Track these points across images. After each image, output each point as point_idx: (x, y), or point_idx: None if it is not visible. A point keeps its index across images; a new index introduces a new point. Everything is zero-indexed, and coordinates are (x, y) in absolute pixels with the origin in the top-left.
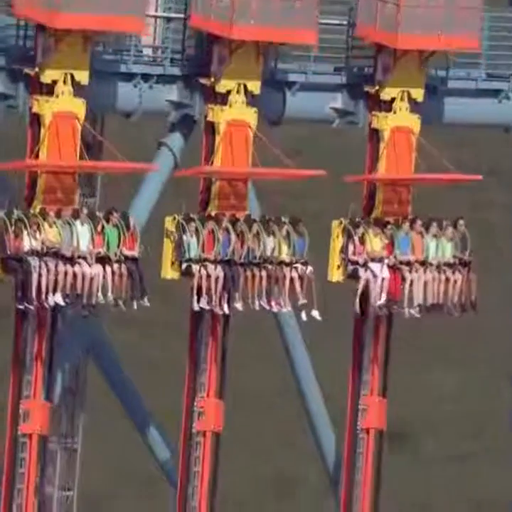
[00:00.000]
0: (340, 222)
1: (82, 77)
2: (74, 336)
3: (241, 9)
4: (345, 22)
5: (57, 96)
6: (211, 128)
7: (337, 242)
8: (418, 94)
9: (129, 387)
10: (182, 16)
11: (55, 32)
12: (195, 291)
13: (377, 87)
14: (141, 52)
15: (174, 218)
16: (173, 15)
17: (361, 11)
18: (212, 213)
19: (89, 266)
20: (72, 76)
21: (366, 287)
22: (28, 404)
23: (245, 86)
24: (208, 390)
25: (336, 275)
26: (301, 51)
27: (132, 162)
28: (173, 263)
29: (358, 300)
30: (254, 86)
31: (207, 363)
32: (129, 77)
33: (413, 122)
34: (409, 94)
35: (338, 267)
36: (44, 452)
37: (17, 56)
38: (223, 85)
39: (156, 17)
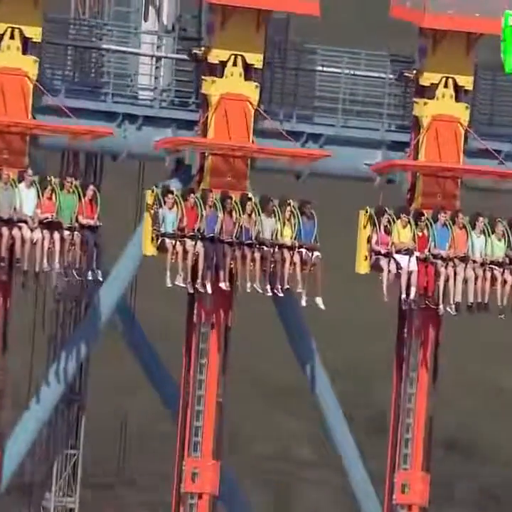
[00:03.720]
0: (366, 212)
1: (34, 32)
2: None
3: None
4: (383, 75)
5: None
6: (206, 101)
7: (364, 232)
8: (466, 81)
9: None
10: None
11: None
12: (168, 267)
13: (414, 72)
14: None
15: (153, 191)
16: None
17: None
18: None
19: (31, 230)
20: (20, 31)
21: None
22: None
23: (243, 58)
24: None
25: (363, 266)
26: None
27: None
28: (152, 239)
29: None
30: (256, 59)
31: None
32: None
33: (459, 111)
34: (455, 81)
35: (366, 257)
36: None
37: None
38: (215, 55)
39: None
